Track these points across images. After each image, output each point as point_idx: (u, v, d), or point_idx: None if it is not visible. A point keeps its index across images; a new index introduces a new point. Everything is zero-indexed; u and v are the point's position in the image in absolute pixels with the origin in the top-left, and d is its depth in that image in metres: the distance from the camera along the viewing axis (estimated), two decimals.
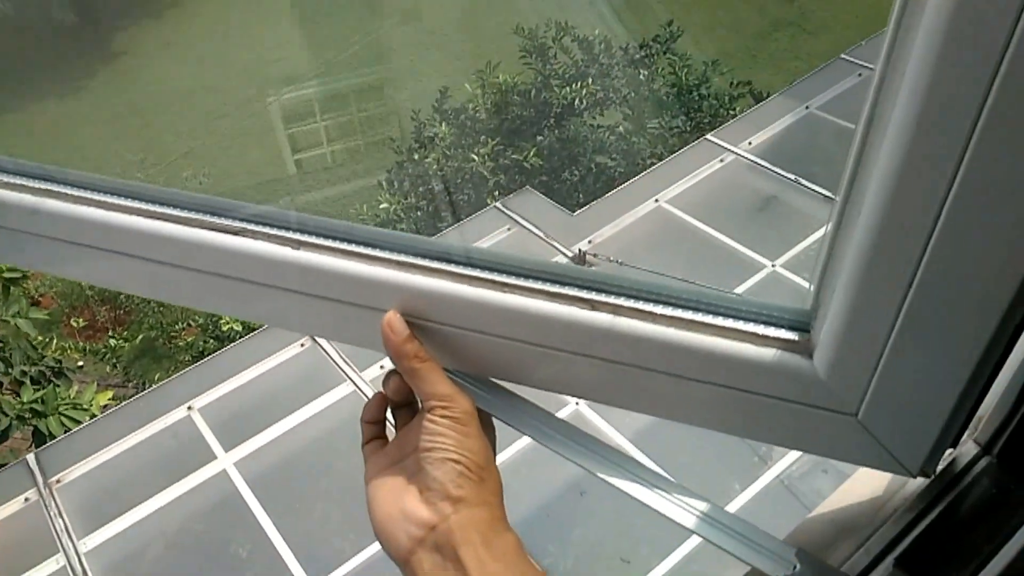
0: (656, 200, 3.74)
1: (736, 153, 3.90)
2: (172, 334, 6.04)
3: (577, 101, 5.55)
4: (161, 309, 6.62)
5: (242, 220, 0.59)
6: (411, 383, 0.58)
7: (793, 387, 0.48)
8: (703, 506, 0.53)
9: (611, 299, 0.51)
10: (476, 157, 5.31)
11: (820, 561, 0.49)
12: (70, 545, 2.53)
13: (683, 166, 3.89)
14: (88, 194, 0.62)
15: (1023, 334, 0.46)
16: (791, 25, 8.54)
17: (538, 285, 0.53)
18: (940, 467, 0.53)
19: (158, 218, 0.61)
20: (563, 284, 0.53)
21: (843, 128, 4.05)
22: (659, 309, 0.50)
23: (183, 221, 0.60)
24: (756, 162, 3.84)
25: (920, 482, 0.53)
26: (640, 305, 0.51)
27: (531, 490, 2.78)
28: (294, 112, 8.73)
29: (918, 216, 0.38)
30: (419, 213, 5.49)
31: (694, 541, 2.65)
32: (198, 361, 5.09)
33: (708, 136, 4.07)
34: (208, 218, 0.60)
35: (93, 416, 3.96)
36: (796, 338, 0.48)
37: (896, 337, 0.43)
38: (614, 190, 4.00)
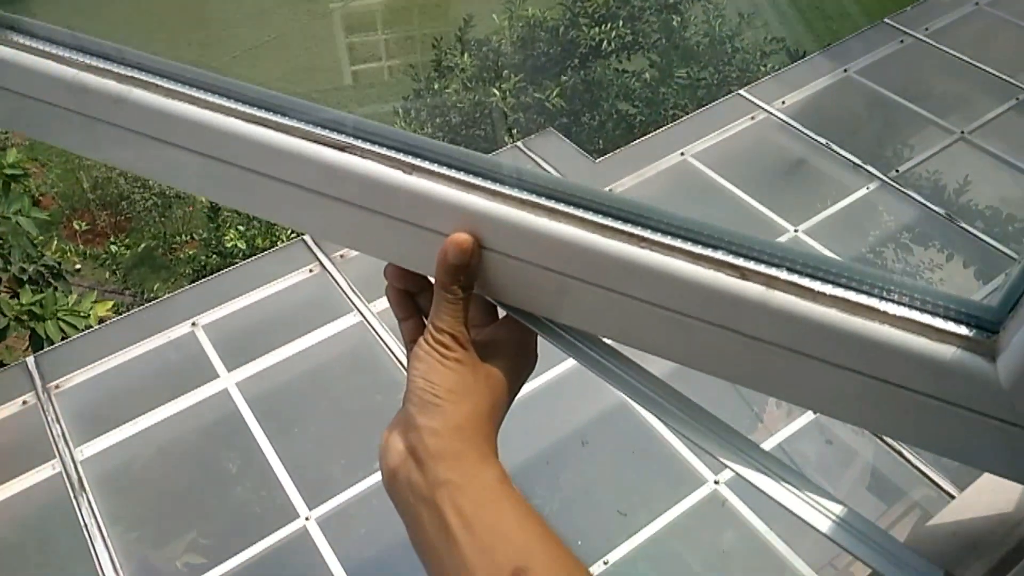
0: (682, 154, 3.64)
1: (768, 111, 3.79)
2: (174, 245, 5.96)
3: (605, 43, 5.38)
4: (163, 219, 6.53)
5: (349, 135, 0.54)
6: (432, 305, 0.57)
7: (967, 391, 0.42)
8: (838, 509, 0.47)
9: (764, 268, 0.46)
10: (497, 92, 5.16)
11: None
12: (66, 451, 2.51)
13: (712, 120, 3.78)
14: (182, 88, 0.56)
15: None
16: None
17: (678, 243, 0.47)
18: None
19: (257, 123, 0.56)
20: (708, 246, 0.46)
21: (880, 95, 3.93)
22: (820, 287, 0.44)
23: (285, 129, 0.55)
24: (788, 123, 3.73)
25: None
26: (798, 280, 0.44)
27: (532, 436, 2.76)
28: (357, 22, 8.48)
29: None
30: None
31: (691, 500, 2.65)
32: (198, 274, 5.04)
33: (740, 92, 3.94)
34: (313, 129, 0.55)
35: (90, 327, 3.91)
36: (979, 337, 0.42)
37: None
38: (639, 139, 3.89)
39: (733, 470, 0.51)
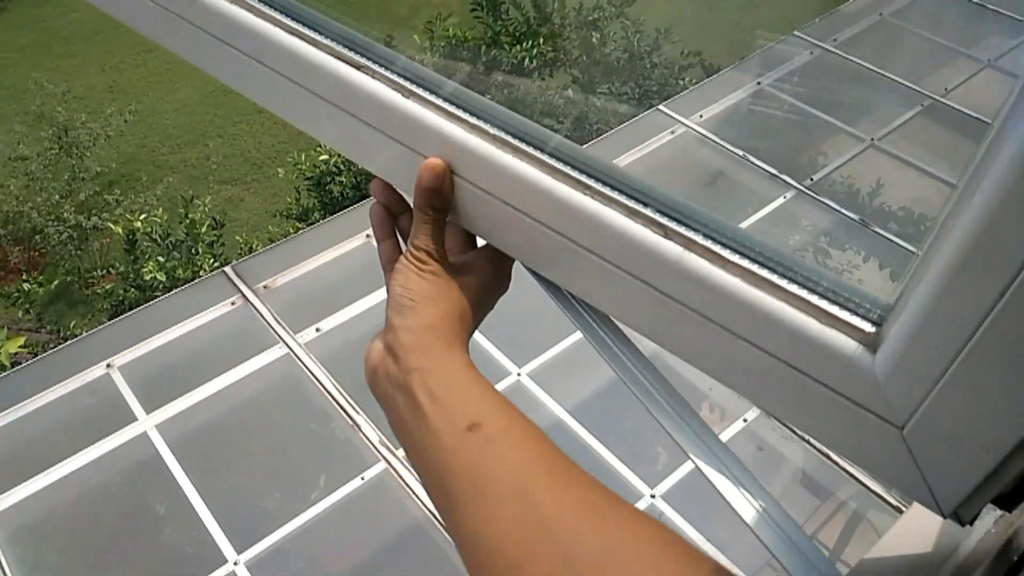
0: None
1: (687, 126, 3.86)
2: (90, 279, 5.73)
3: (527, 60, 5.41)
4: (79, 253, 6.27)
5: (365, 56, 0.62)
6: (412, 227, 0.62)
7: (847, 380, 0.43)
8: (768, 503, 0.46)
9: (684, 231, 0.47)
10: None
11: None
12: None
13: (634, 136, 3.83)
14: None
15: None
16: None
17: (616, 196, 0.50)
18: (994, 532, 0.47)
19: (294, 33, 0.65)
20: (640, 202, 0.49)
21: (793, 105, 4.05)
22: (733, 256, 0.46)
23: (314, 43, 0.64)
24: (706, 136, 3.81)
25: (976, 549, 0.47)
26: (713, 246, 0.46)
27: None
28: None
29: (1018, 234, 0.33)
30: (359, 166, 5.31)
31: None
32: (117, 309, 4.84)
33: (660, 107, 4.01)
34: (336, 46, 0.63)
35: (2, 365, 3.73)
36: (866, 328, 0.42)
37: (964, 358, 0.38)
38: None
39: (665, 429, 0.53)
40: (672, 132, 3.83)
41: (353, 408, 2.73)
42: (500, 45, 5.43)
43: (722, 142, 3.71)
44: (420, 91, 0.61)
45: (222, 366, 2.77)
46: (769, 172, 3.61)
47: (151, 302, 3.00)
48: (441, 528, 2.50)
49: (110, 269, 5.46)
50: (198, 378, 2.73)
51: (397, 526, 2.59)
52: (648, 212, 0.49)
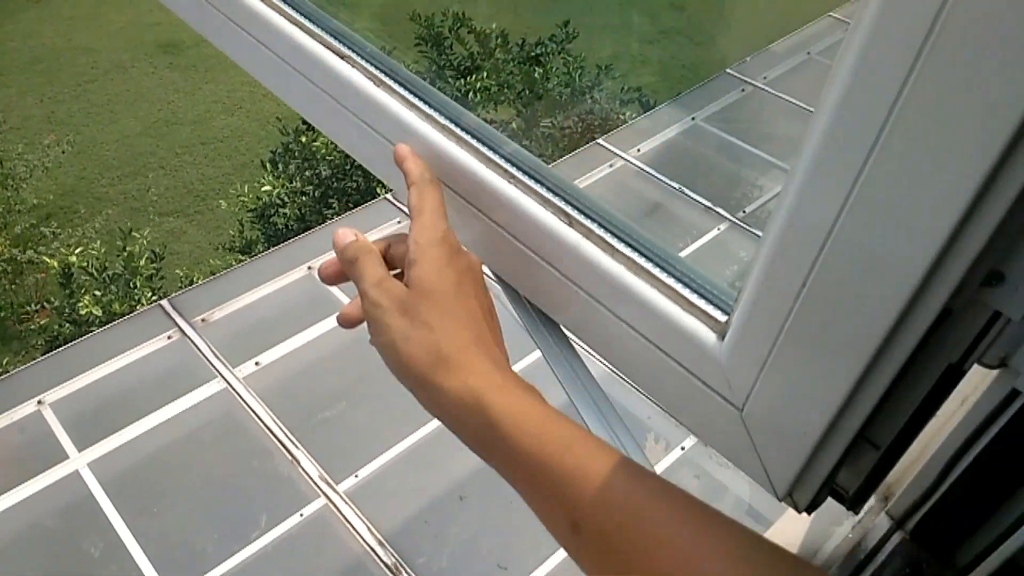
0: None
1: (625, 159, 3.96)
2: (23, 314, 5.57)
3: (471, 94, 5.49)
4: (13, 287, 6.09)
5: (349, 47, 0.67)
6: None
7: (700, 363, 0.48)
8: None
9: (585, 221, 0.53)
10: None
11: None
12: None
13: (575, 168, 3.91)
14: None
15: (931, 418, 0.45)
16: (680, 34, 8.79)
17: (532, 184, 0.56)
18: (851, 537, 0.51)
19: (294, 23, 0.71)
20: (551, 191, 0.55)
21: (726, 140, 4.19)
22: (620, 246, 0.51)
23: (309, 32, 0.70)
24: (644, 169, 3.91)
25: (832, 554, 0.52)
26: (606, 236, 0.52)
27: (409, 496, 2.72)
28: (223, 74, 8.29)
29: (816, 225, 0.38)
30: (304, 198, 5.29)
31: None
32: (51, 345, 4.71)
33: (599, 141, 4.11)
34: (327, 36, 0.69)
35: None
36: (718, 317, 0.48)
37: (780, 345, 0.43)
38: None
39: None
40: (611, 165, 3.93)
41: (293, 443, 2.71)
42: (444, 79, 5.50)
43: (659, 175, 3.82)
44: (388, 80, 0.67)
45: (158, 402, 2.72)
46: (704, 204, 3.72)
47: (84, 337, 2.94)
48: (381, 563, 2.49)
49: (45, 304, 5.32)
50: (133, 414, 2.68)
51: (337, 563, 2.56)
52: (557, 201, 0.55)
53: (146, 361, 2.85)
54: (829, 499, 0.53)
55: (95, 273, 4.69)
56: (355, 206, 5.10)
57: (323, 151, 5.34)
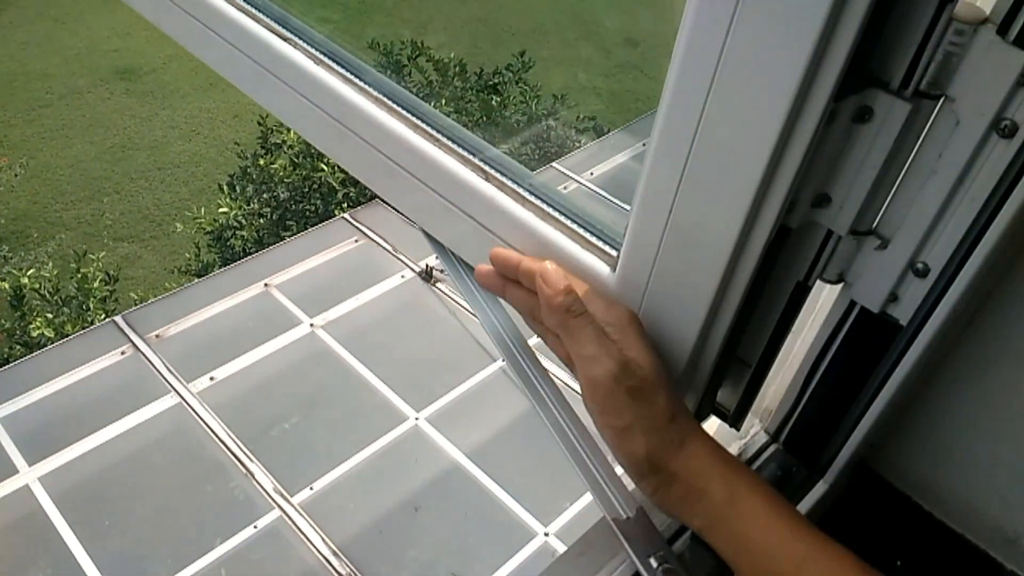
0: None
1: (579, 182, 4.08)
2: None
3: None
4: None
5: (352, 72, 0.71)
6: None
7: (600, 290, 0.56)
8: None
9: (500, 176, 0.61)
10: (325, 167, 5.21)
11: (649, 523, 0.54)
12: None
13: None
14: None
15: (788, 333, 0.53)
16: (634, 68, 9.04)
17: (453, 146, 0.64)
18: (733, 452, 0.59)
19: (274, 33, 0.74)
20: (470, 152, 0.64)
21: None
22: (530, 197, 0.60)
23: (289, 41, 0.73)
24: (596, 191, 4.03)
25: None
26: (518, 189, 0.60)
27: (364, 507, 2.74)
28: (179, 100, 8.27)
29: (670, 170, 0.47)
30: (262, 220, 5.31)
31: (523, 554, 2.72)
32: (2, 366, 4.63)
33: (554, 164, 4.23)
34: (335, 65, 0.71)
35: None
36: (611, 253, 0.56)
37: (657, 266, 0.51)
38: None
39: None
40: (565, 188, 4.03)
41: (247, 456, 2.72)
42: None
43: (611, 197, 3.93)
44: (329, 61, 0.73)
45: (110, 416, 2.72)
46: None
47: (36, 352, 2.93)
48: (336, 574, 2.50)
49: None
50: (85, 429, 2.67)
51: (292, 574, 2.57)
52: (475, 160, 0.63)
53: (99, 376, 2.84)
54: (721, 425, 0.61)
55: (48, 295, 4.64)
56: (312, 227, 5.13)
57: (281, 174, 5.37)
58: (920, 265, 0.45)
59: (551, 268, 0.54)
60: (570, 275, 0.55)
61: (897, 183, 0.44)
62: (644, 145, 4.37)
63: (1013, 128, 0.39)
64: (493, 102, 5.75)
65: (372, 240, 3.69)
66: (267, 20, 0.75)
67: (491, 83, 6.02)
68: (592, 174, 4.13)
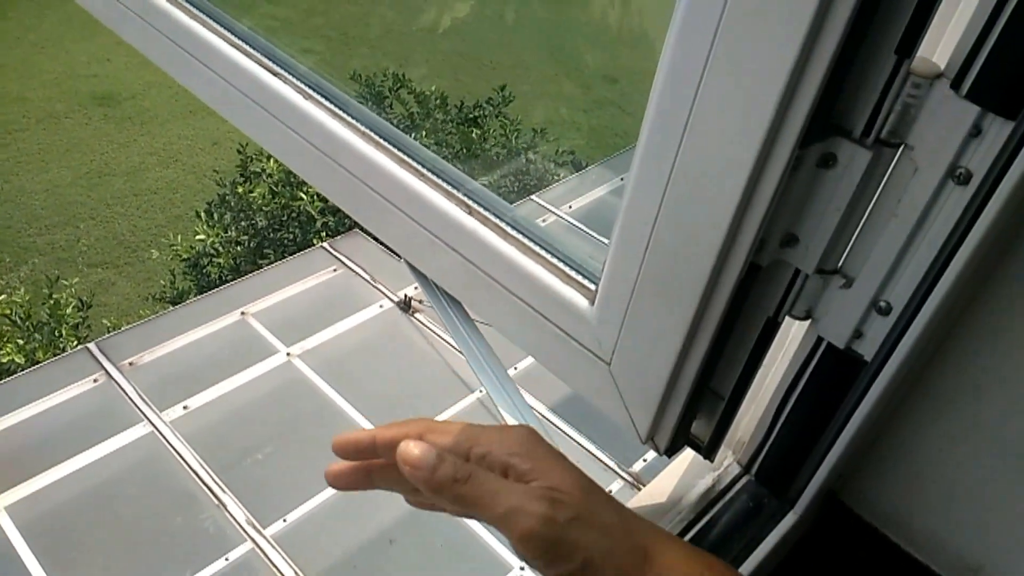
0: None
1: (558, 215, 4.12)
2: None
3: None
4: None
5: (338, 106, 0.72)
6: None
7: (576, 326, 0.58)
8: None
9: (482, 211, 0.63)
10: (304, 196, 5.22)
11: None
12: None
13: None
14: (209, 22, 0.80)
15: (760, 366, 0.55)
16: (612, 104, 9.19)
17: (438, 180, 0.66)
18: (707, 483, 0.60)
19: (263, 66, 0.76)
20: (452, 185, 0.65)
21: None
22: (511, 231, 0.61)
23: (273, 71, 0.75)
24: (574, 224, 4.07)
25: (693, 500, 0.61)
26: (500, 223, 0.62)
27: (338, 540, 2.71)
28: (158, 128, 8.25)
29: (646, 209, 0.49)
30: (239, 248, 5.29)
31: None
32: None
33: (533, 197, 4.27)
34: (283, 72, 0.74)
35: None
36: (589, 286, 0.57)
37: (633, 301, 0.53)
38: None
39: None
40: (543, 221, 4.07)
41: (219, 487, 2.68)
42: None
43: (588, 229, 3.98)
44: (318, 96, 0.75)
45: (81, 445, 2.68)
46: None
47: (7, 379, 2.89)
48: None
49: None
50: (55, 458, 2.63)
51: None
52: (458, 194, 0.65)
53: (70, 404, 2.80)
54: (695, 456, 0.62)
55: (19, 321, 4.58)
56: (290, 255, 5.12)
57: (260, 201, 5.37)
58: (883, 303, 0.47)
59: (411, 444, 0.44)
60: (434, 423, 0.47)
61: (860, 225, 0.46)
62: (622, 180, 4.44)
63: (967, 176, 0.41)
64: (473, 135, 5.81)
65: (350, 269, 3.69)
66: (256, 54, 0.76)
67: (471, 116, 6.09)
68: (571, 207, 4.18)
